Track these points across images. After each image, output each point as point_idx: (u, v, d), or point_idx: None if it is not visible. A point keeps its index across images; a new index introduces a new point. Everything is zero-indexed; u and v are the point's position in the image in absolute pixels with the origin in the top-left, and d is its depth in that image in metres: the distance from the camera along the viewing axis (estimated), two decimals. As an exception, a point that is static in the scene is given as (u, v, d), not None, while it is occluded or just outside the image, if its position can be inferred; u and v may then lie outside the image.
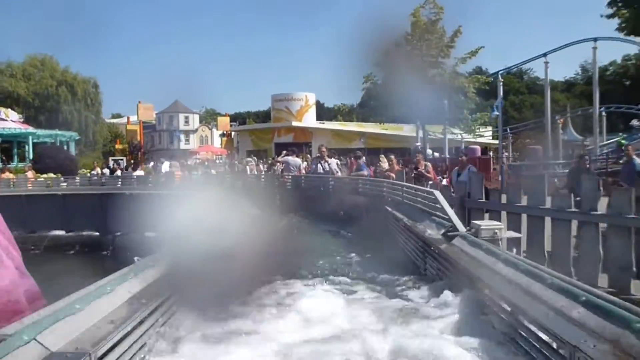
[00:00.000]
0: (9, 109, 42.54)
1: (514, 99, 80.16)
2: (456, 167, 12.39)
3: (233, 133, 61.60)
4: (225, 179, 17.04)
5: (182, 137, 65.31)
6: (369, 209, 10.49)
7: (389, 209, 8.35)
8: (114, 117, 78.79)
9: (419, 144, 38.56)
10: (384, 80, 19.35)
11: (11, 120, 41.53)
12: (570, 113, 51.95)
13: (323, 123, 56.17)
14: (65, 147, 44.34)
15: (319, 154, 14.91)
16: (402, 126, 50.62)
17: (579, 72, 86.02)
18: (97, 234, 15.19)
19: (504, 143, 40.76)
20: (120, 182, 17.21)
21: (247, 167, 21.43)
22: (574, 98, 72.39)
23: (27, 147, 40.02)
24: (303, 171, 18.39)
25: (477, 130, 20.17)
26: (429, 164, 14.36)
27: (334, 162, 15.14)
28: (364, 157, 16.62)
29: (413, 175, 13.42)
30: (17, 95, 50.17)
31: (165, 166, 21.59)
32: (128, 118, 59.89)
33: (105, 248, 14.22)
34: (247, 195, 13.67)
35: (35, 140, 43.01)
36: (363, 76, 18.35)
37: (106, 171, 23.65)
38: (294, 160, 17.46)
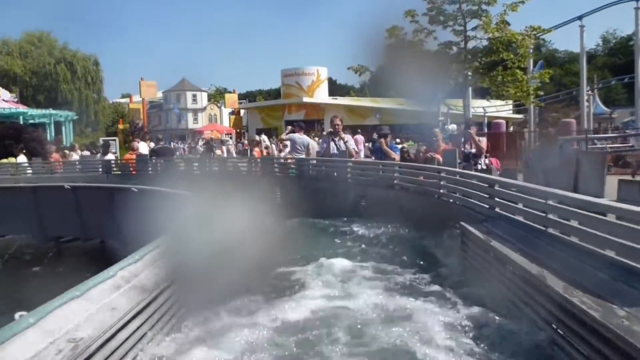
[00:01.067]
0: (0, 88, 38.48)
1: (533, 71, 74.93)
2: (536, 144, 7.94)
3: (242, 111, 57.29)
4: (209, 166, 12.72)
5: (190, 116, 61.01)
6: (417, 220, 6.20)
7: (477, 234, 4.00)
8: (124, 97, 74.66)
9: (442, 118, 34.22)
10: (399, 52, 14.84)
11: (2, 100, 37.52)
12: (599, 84, 47.34)
13: (336, 99, 51.71)
14: (63, 128, 40.49)
15: (331, 129, 10.57)
16: (419, 101, 46.42)
17: (600, 44, 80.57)
18: (34, 239, 11.10)
19: (526, 118, 36.32)
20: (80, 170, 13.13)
21: (225, 148, 17.29)
22: (594, 70, 67.32)
23: (19, 128, 36.02)
24: (313, 152, 14.27)
25: (533, 96, 15.24)
26: (483, 138, 9.96)
27: (351, 139, 10.83)
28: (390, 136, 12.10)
29: (463, 156, 9.12)
30: (14, 74, 46.04)
31: (142, 147, 17.43)
32: (130, 96, 55.60)
33: (42, 258, 10.08)
34: (237, 189, 9.60)
35: (31, 121, 39.12)
36: (386, 30, 13.90)
37: (86, 153, 19.32)
38: (300, 137, 13.18)
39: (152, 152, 15.08)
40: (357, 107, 49.81)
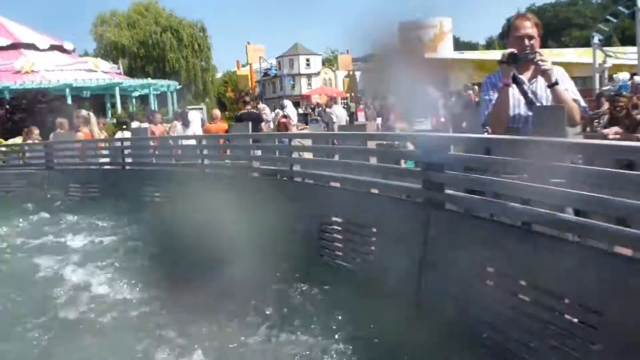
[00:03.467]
0: (99, 59, 34.85)
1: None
2: None
3: (357, 73, 50.36)
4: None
5: (304, 81, 55.21)
6: None
7: None
8: (244, 66, 70.62)
9: (608, 65, 25.40)
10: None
11: (102, 71, 33.61)
12: None
13: (462, 53, 43.20)
14: (168, 99, 36.28)
15: (513, 50, 3.52)
16: (563, 51, 38.07)
17: None
18: None
19: None
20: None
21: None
22: None
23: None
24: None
25: None
26: None
27: (563, 72, 3.62)
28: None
29: None
30: (122, 46, 42.62)
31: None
32: (238, 62, 50.71)
33: None
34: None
35: (135, 93, 35.13)
36: None
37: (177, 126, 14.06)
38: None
39: (236, 118, 12.44)
40: (489, 61, 41.05)
